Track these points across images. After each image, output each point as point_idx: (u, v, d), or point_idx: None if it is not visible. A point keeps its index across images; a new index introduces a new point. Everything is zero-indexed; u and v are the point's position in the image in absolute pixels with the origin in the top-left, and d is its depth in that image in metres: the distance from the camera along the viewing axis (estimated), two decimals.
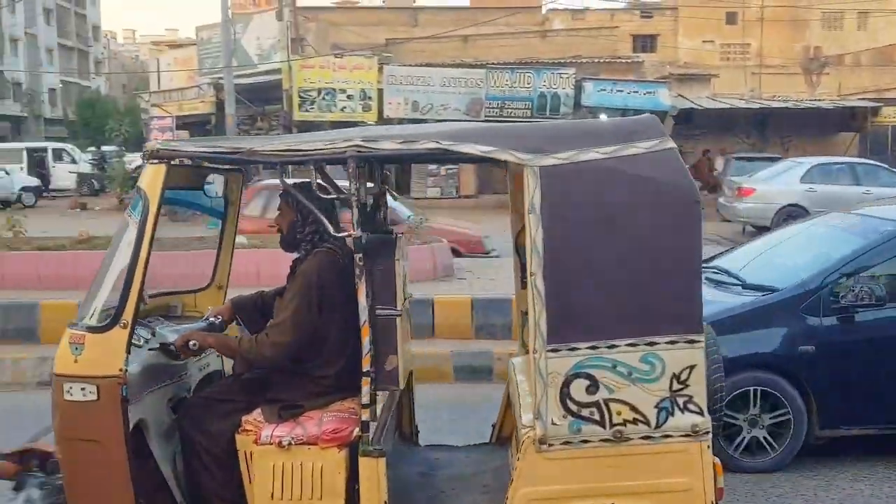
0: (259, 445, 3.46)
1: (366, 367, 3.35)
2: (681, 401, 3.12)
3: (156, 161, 3.38)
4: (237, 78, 24.05)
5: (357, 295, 3.32)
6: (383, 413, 3.62)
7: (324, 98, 26.04)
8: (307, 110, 26.00)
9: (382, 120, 25.14)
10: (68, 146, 36.26)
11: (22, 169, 30.82)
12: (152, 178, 3.38)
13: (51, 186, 31.87)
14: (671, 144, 3.20)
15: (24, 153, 32.28)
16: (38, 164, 32.26)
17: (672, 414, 3.12)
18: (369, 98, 26.07)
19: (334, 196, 3.64)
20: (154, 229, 3.39)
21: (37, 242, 11.37)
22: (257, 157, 3.40)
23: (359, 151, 3.27)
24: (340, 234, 3.56)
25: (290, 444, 3.43)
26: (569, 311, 3.12)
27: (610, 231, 3.13)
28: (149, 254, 3.40)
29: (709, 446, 3.13)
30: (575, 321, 3.12)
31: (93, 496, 3.40)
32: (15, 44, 58.25)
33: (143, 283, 3.40)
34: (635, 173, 3.13)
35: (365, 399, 3.36)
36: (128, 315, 3.34)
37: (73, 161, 33.43)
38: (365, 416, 3.36)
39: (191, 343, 3.71)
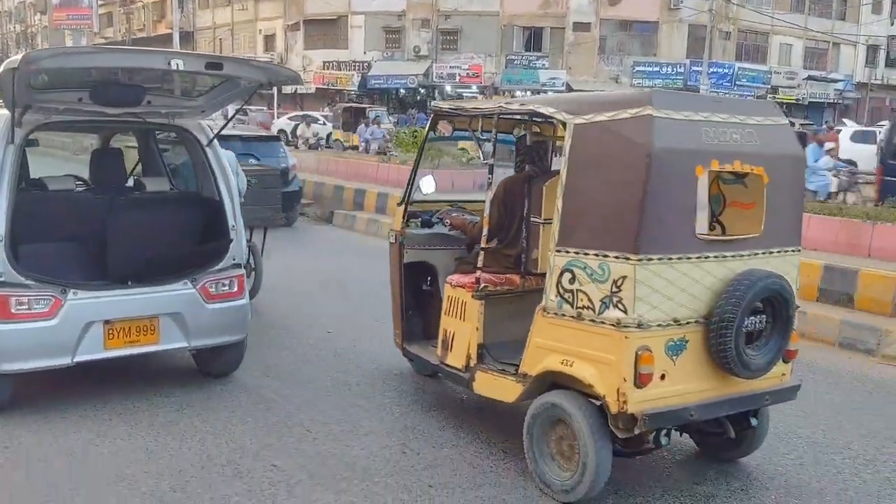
0: (446, 284, 5.46)
1: (483, 244, 5.14)
2: (615, 300, 4.15)
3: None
4: None
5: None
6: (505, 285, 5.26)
7: None
8: None
9: None
10: None
11: None
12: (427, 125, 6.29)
13: None
14: (648, 112, 4.11)
15: None
16: None
17: (608, 308, 4.18)
18: None
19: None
20: (419, 155, 6.41)
21: None
22: (465, 113, 5.63)
23: (501, 109, 5.11)
24: (486, 161, 5.45)
25: (453, 285, 5.34)
26: (569, 225, 4.39)
27: (597, 173, 4.32)
28: (415, 168, 6.07)
29: (627, 337, 4.10)
30: (571, 233, 4.38)
31: (394, 298, 6.21)
32: None
33: (411, 183, 6.03)
34: (617, 131, 4.21)
35: (479, 263, 5.12)
36: (405, 198, 6.05)
37: None
38: (478, 274, 5.12)
39: (445, 220, 6.15)
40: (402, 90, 47.09)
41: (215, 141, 6.23)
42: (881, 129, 20.10)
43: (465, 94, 45.17)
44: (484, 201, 5.58)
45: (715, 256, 4.34)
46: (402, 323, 6.07)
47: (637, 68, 46.23)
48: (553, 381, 4.56)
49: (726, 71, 47.07)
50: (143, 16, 62.59)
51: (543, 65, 45.67)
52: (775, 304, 4.46)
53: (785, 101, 48.61)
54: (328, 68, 47.74)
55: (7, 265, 5.21)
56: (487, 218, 5.15)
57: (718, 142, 4.32)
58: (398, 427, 5.48)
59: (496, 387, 4.93)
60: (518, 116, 5.57)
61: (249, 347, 6.40)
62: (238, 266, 6.03)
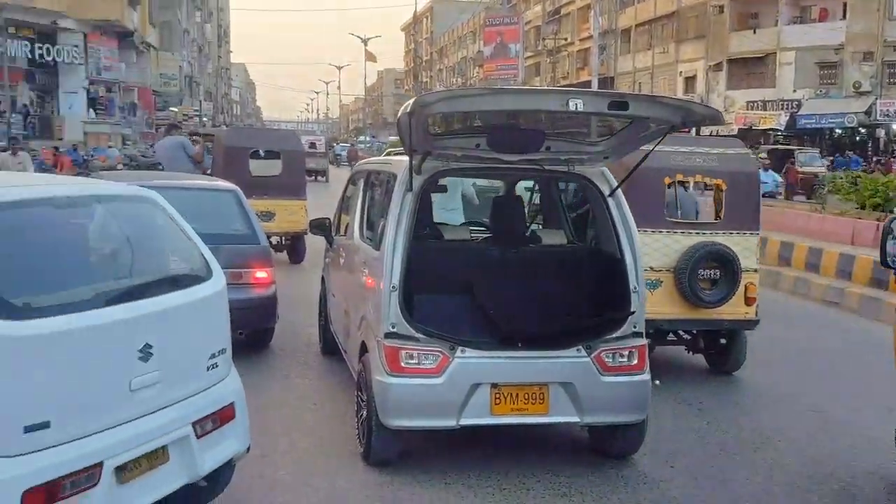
0: None
1: None
2: None
3: None
4: None
5: None
6: None
7: None
8: None
9: None
10: None
11: None
12: None
13: None
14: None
15: None
16: None
17: None
18: None
19: None
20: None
21: None
22: None
23: None
24: None
25: None
26: None
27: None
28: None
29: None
30: None
31: None
32: None
33: None
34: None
35: None
36: None
37: None
38: None
39: None
40: (837, 130, 43.11)
41: (619, 191, 5.77)
42: None
43: None
44: None
45: (682, 232, 7.50)
46: None
47: None
48: None
49: None
50: (568, 64, 65.79)
51: None
52: (725, 263, 7.46)
53: None
54: (752, 108, 45.46)
55: (400, 316, 5.18)
56: None
57: (685, 164, 7.46)
58: None
59: None
60: None
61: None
62: (640, 335, 5.49)
